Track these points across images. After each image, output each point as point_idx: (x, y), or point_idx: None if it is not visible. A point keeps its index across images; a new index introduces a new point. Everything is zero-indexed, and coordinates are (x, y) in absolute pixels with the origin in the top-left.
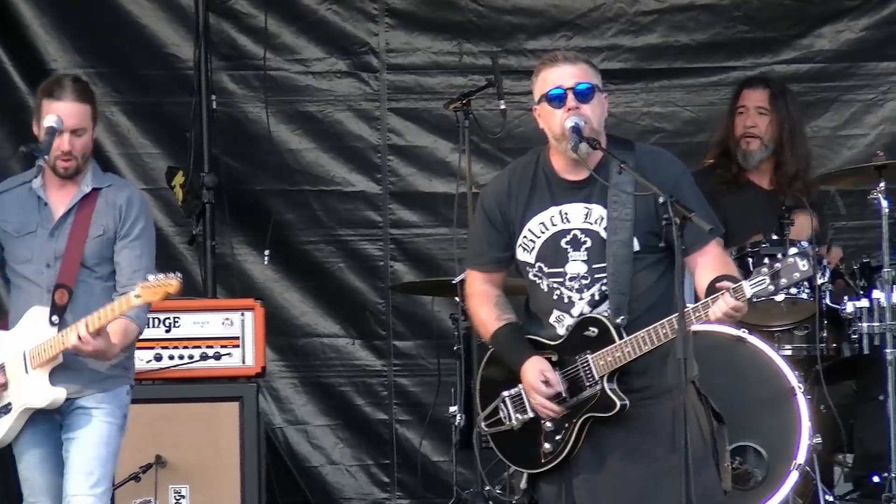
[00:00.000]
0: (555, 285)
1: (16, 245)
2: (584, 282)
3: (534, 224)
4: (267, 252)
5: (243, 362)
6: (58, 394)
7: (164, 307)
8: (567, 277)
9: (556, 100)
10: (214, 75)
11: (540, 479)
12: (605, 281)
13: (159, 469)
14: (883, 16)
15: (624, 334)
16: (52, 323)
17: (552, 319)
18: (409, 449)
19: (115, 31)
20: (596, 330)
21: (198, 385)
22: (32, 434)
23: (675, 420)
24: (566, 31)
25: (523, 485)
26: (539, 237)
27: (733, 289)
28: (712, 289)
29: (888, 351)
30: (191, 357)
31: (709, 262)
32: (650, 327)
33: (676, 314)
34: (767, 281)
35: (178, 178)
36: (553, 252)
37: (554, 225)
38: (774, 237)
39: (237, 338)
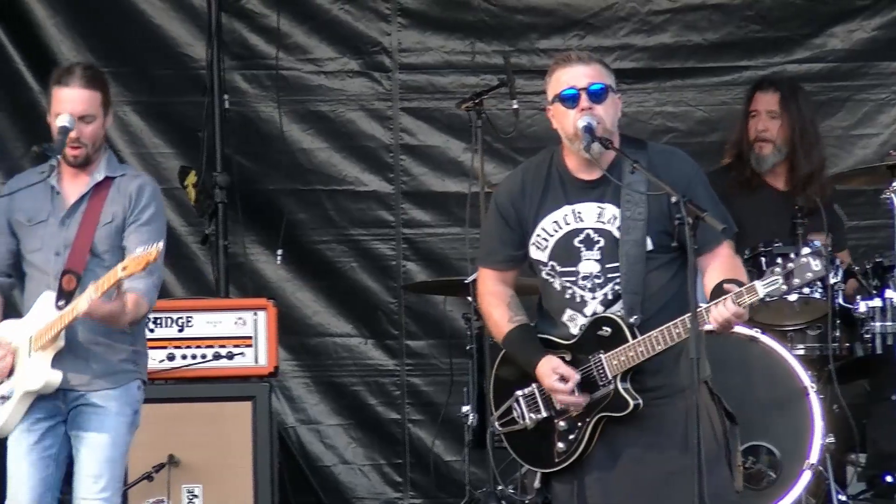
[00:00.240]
0: (567, 284)
1: (28, 234)
2: (596, 281)
3: (547, 223)
4: (280, 252)
5: (256, 362)
6: (53, 376)
7: (176, 307)
8: (580, 276)
9: (570, 100)
10: (227, 75)
11: (553, 478)
12: (618, 280)
13: (172, 469)
14: (895, 15)
15: (637, 334)
16: (57, 307)
17: (565, 318)
18: (422, 448)
19: (127, 31)
20: (609, 329)
21: (210, 385)
22: (27, 422)
23: (688, 420)
24: (578, 31)
25: (537, 484)
26: (552, 236)
27: (734, 294)
28: (717, 292)
29: None
30: (203, 357)
31: (718, 265)
32: (663, 327)
33: (689, 314)
34: (780, 281)
35: (191, 178)
36: (566, 251)
37: (567, 224)
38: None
39: (250, 337)
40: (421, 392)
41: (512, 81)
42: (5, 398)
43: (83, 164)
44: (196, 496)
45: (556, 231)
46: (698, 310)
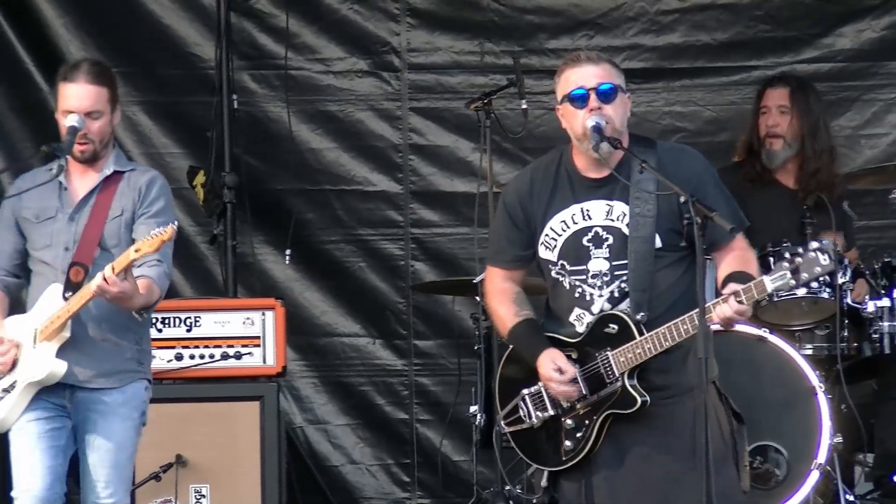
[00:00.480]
0: (577, 283)
1: (35, 230)
2: (605, 279)
3: (556, 222)
4: (288, 251)
5: (264, 362)
6: (57, 366)
7: (185, 307)
8: (589, 275)
9: (579, 100)
10: (236, 75)
11: (561, 476)
12: (625, 278)
13: (180, 468)
14: None
15: (644, 331)
16: (64, 298)
17: (572, 318)
18: (430, 448)
19: (136, 31)
20: (616, 326)
21: (218, 384)
22: (34, 413)
23: (696, 419)
24: (587, 31)
25: (544, 483)
26: (561, 235)
27: (743, 289)
28: (725, 284)
29: None
30: (211, 356)
31: (731, 258)
32: (670, 323)
33: (697, 310)
34: (788, 275)
35: (200, 178)
36: (575, 250)
37: (575, 223)
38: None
39: (258, 337)
40: (429, 392)
41: (521, 81)
42: (7, 391)
43: (91, 161)
44: (204, 496)
45: (564, 230)
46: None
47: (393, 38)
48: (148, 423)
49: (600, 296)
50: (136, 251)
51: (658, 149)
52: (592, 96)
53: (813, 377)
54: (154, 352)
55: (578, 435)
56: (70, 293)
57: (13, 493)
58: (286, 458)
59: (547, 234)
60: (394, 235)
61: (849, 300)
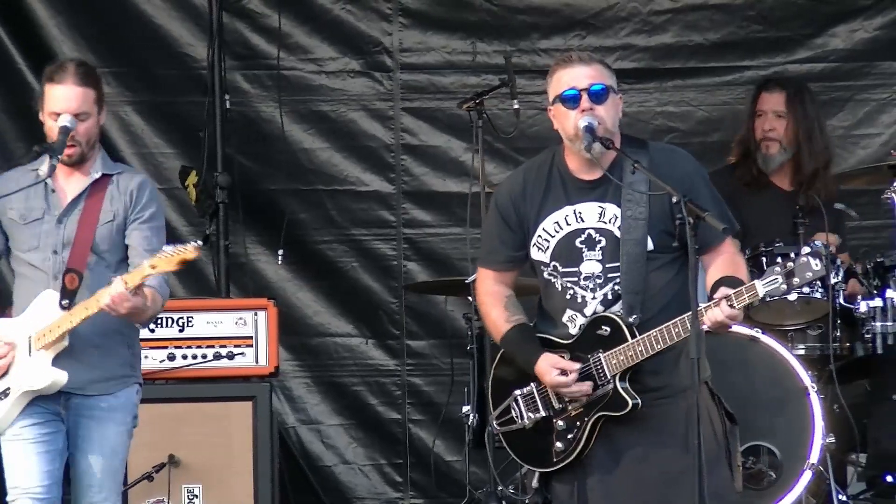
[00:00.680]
0: (569, 285)
1: (21, 232)
2: (597, 281)
3: (548, 223)
4: (280, 252)
5: (256, 362)
6: (59, 376)
7: (177, 307)
8: (582, 277)
9: (571, 100)
10: (228, 75)
11: (553, 477)
12: (618, 280)
13: (172, 469)
14: None
15: (636, 333)
16: (62, 307)
17: (565, 319)
18: (423, 448)
19: (128, 31)
20: (608, 329)
21: (211, 385)
22: (28, 418)
23: (689, 420)
24: (580, 31)
25: (535, 484)
26: (553, 236)
27: (734, 293)
28: (716, 289)
29: None
30: (204, 357)
31: (720, 262)
32: (662, 326)
33: (689, 313)
34: (780, 280)
35: (192, 178)
36: (568, 251)
37: (568, 224)
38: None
39: (250, 337)
40: (422, 392)
41: (513, 81)
42: (0, 397)
43: (77, 163)
44: (196, 496)
45: (557, 231)
46: (698, 310)
47: (385, 38)
48: (141, 423)
49: (593, 298)
50: (152, 267)
51: (650, 149)
52: (584, 97)
53: (805, 377)
54: (147, 352)
55: (570, 436)
56: (67, 301)
57: (9, 498)
58: (279, 458)
59: (539, 235)
60: (386, 235)
61: (841, 300)
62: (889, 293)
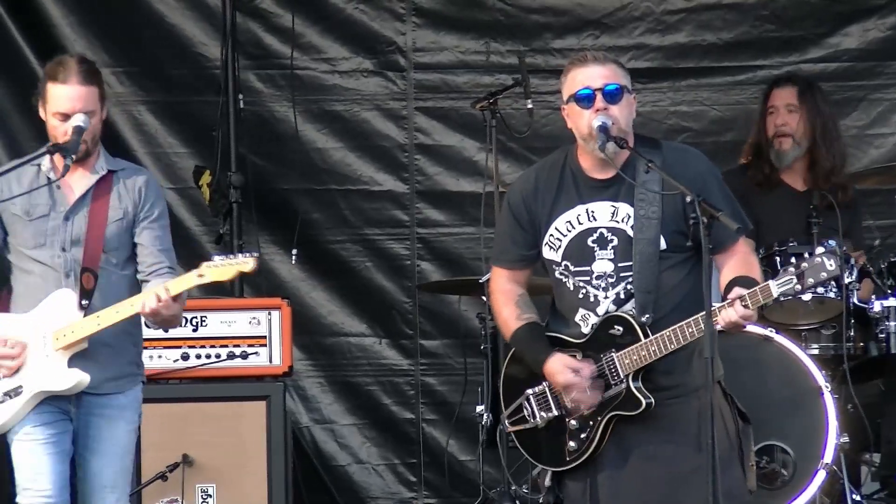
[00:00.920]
0: (581, 284)
1: (26, 228)
2: (609, 280)
3: (560, 222)
4: (294, 251)
5: (270, 361)
6: (82, 377)
7: (191, 306)
8: (594, 276)
9: (585, 100)
10: (241, 74)
11: (566, 476)
12: (630, 280)
13: (186, 468)
14: None
15: (649, 332)
16: (81, 307)
17: (577, 318)
18: (436, 448)
19: (142, 31)
20: (621, 328)
21: (225, 384)
22: (38, 417)
23: (702, 419)
24: (593, 30)
25: (548, 482)
26: (566, 235)
27: (749, 293)
28: (730, 289)
29: None
30: (218, 356)
31: (734, 262)
32: (676, 326)
33: (702, 313)
34: (794, 280)
35: (206, 178)
36: (580, 250)
37: (580, 223)
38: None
39: (264, 337)
40: (435, 392)
41: (526, 81)
42: (9, 395)
43: (82, 159)
44: (210, 496)
45: (569, 231)
46: (712, 309)
47: (398, 38)
48: (154, 422)
49: (605, 297)
50: (200, 276)
51: (663, 149)
52: (598, 96)
53: (819, 377)
54: (160, 351)
55: (583, 436)
56: (86, 301)
57: (18, 500)
58: (292, 457)
59: (552, 235)
60: (400, 235)
61: (855, 300)
62: None
